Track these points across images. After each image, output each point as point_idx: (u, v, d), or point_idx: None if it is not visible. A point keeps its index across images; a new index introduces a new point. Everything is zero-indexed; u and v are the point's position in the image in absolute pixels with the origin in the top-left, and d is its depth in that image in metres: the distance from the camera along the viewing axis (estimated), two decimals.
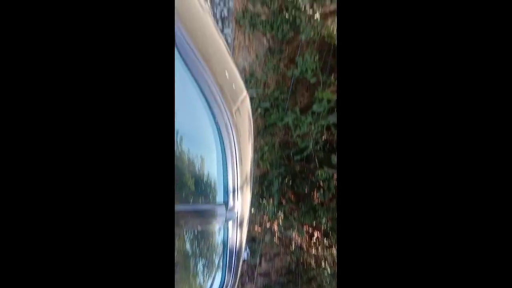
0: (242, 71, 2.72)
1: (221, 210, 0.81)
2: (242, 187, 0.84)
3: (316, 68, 2.60)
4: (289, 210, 2.89)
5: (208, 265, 0.91)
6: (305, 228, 2.89)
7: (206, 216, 0.82)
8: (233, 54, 2.64)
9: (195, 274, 0.89)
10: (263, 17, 2.61)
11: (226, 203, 0.82)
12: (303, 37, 2.56)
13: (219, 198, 0.82)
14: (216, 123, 0.74)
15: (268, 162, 2.80)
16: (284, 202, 2.90)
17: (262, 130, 2.79)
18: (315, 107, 2.59)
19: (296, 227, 2.87)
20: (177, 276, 0.79)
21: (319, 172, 2.59)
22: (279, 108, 2.77)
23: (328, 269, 2.79)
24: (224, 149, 0.76)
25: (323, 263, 2.85)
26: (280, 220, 2.86)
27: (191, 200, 0.78)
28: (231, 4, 2.51)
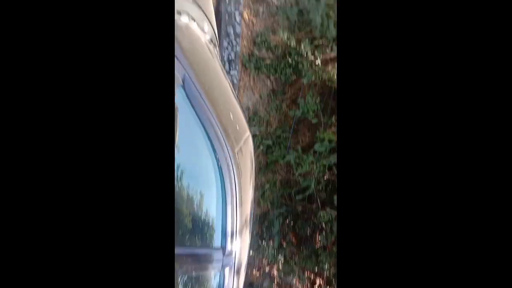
0: (246, 110, 2.81)
1: (218, 255, 0.77)
2: (241, 231, 0.81)
3: (317, 109, 2.69)
4: (290, 254, 2.74)
5: None
6: (307, 274, 2.71)
7: (202, 260, 0.78)
8: (238, 94, 2.76)
9: None
10: (268, 61, 2.78)
11: (223, 247, 0.78)
12: (305, 80, 2.69)
13: (217, 240, 0.79)
14: (218, 163, 0.74)
15: (269, 201, 2.74)
16: (284, 244, 2.77)
17: (264, 167, 2.79)
18: (316, 147, 2.61)
19: (297, 273, 2.69)
20: None
21: (321, 213, 2.52)
22: (281, 146, 2.80)
23: None
24: (225, 190, 0.75)
25: None
26: (280, 264, 2.70)
27: (187, 238, 0.74)
28: (238, 48, 2.69)
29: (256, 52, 2.77)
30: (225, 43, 2.65)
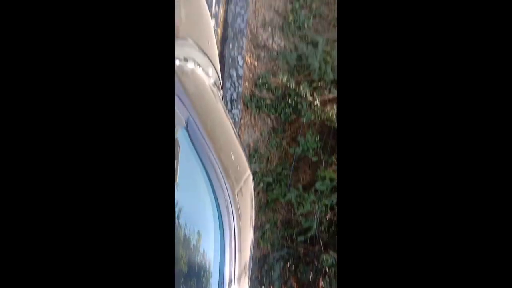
0: (247, 147, 2.85)
1: None
2: (239, 278, 0.76)
3: (317, 147, 2.71)
4: None
5: None
6: None
7: None
8: (239, 131, 2.82)
9: None
10: (268, 101, 2.89)
11: None
12: (304, 119, 2.77)
13: (214, 286, 0.74)
14: (218, 205, 0.72)
15: (269, 242, 2.62)
16: None
17: (264, 205, 2.72)
18: (318, 185, 2.58)
19: None
20: None
21: (324, 256, 2.39)
22: (281, 184, 2.77)
23: None
24: (223, 233, 0.73)
25: None
26: None
27: (182, 281, 0.70)
28: (240, 89, 2.83)
29: (257, 92, 2.90)
30: (228, 84, 2.79)
